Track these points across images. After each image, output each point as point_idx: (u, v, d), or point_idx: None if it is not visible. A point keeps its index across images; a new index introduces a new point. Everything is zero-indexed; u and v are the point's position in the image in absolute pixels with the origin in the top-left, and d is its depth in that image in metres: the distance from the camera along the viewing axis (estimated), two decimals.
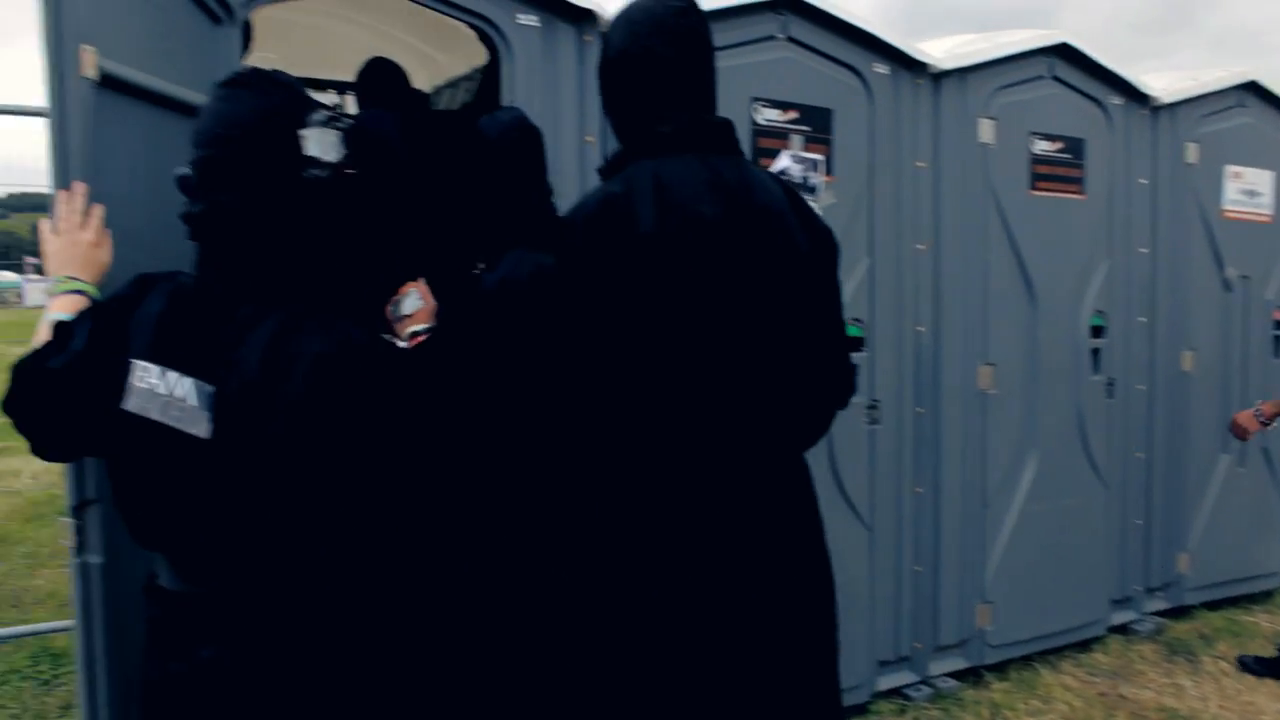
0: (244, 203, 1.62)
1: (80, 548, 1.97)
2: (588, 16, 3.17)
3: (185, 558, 1.63)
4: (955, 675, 4.06)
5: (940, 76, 3.90)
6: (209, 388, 1.56)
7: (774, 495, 1.98)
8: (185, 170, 1.67)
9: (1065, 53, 4.18)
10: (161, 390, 1.58)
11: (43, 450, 1.69)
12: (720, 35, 3.30)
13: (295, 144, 1.64)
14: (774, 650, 1.97)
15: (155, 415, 1.57)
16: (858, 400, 3.68)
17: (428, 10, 3.04)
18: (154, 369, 1.58)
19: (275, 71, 1.71)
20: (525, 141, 2.50)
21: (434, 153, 3.27)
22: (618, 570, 1.92)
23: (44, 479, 8.00)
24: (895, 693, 3.93)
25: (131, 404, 1.58)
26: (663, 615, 1.89)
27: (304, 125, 1.65)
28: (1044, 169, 4.13)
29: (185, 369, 1.58)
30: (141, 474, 1.63)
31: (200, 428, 1.56)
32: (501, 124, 2.49)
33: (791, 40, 3.53)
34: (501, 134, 2.47)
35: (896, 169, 3.79)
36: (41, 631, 4.71)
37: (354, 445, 1.60)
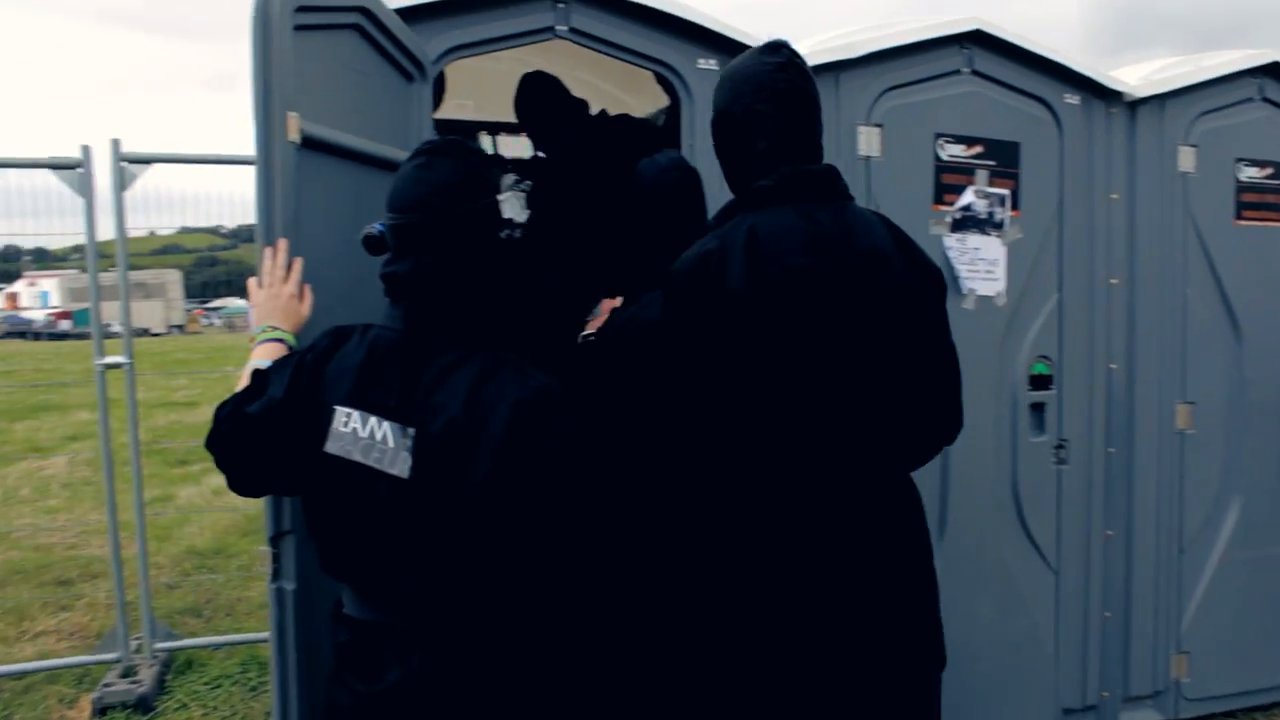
0: (445, 263, 1.76)
1: (276, 574, 2.16)
2: None
3: (374, 588, 1.77)
4: None
5: (1136, 104, 3.75)
6: (410, 430, 1.68)
7: (880, 523, 2.06)
8: (374, 230, 1.82)
9: (1278, 72, 3.95)
10: (363, 434, 1.72)
11: (238, 487, 1.89)
12: (903, 72, 3.34)
13: (492, 207, 1.77)
14: (877, 666, 2.05)
15: (357, 457, 1.72)
16: (1044, 439, 3.60)
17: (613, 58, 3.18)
18: (355, 414, 1.73)
19: (465, 140, 1.87)
20: (685, 183, 2.59)
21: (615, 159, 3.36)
22: (730, 596, 2.03)
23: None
24: None
25: (333, 447, 1.74)
26: (773, 633, 2.00)
27: (498, 190, 1.78)
28: (1251, 197, 3.91)
29: (384, 414, 1.72)
30: (338, 510, 1.77)
31: (400, 468, 1.69)
32: (660, 167, 2.59)
33: (977, 74, 3.49)
34: (660, 175, 2.57)
35: (1088, 201, 3.68)
36: (251, 641, 5.11)
37: (545, 485, 1.70)
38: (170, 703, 4.49)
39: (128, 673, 4.66)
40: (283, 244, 2.10)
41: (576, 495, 1.73)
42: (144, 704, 4.41)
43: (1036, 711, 3.68)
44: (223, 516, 7.98)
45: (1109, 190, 3.73)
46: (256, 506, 7.91)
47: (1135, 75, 3.87)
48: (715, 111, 2.17)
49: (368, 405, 1.73)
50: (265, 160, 2.11)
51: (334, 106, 2.39)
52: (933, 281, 2.13)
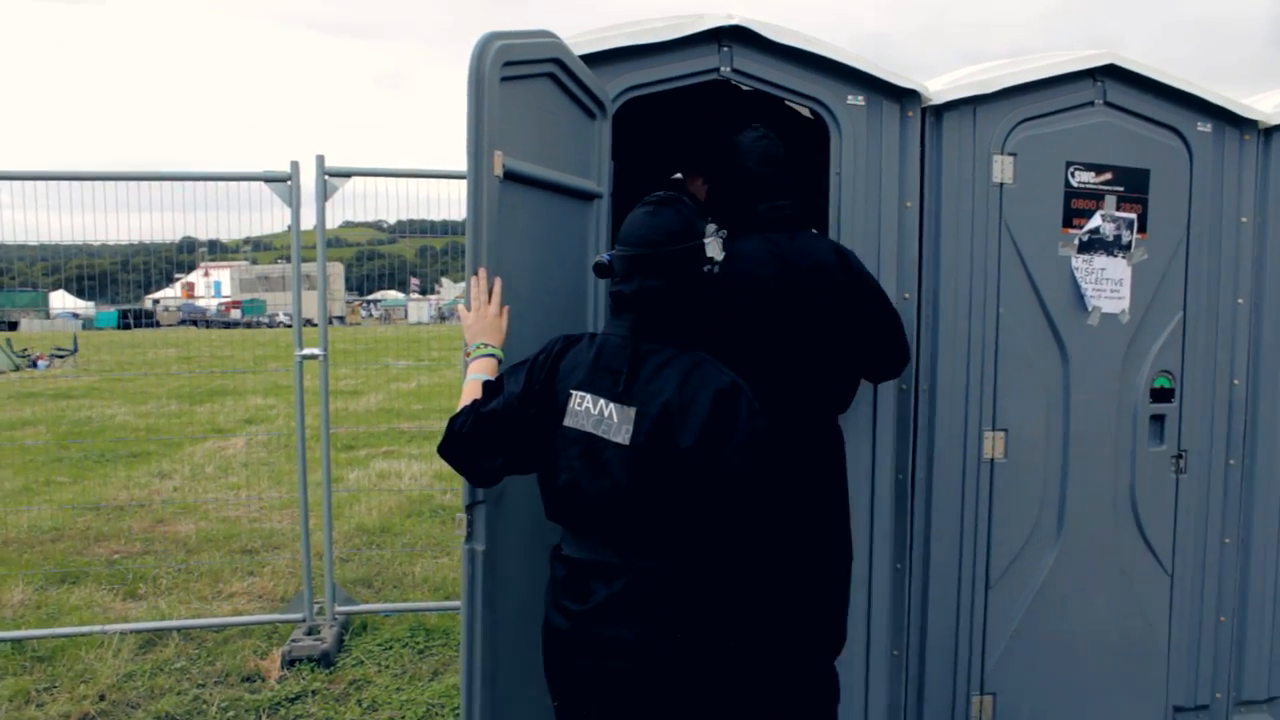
0: (662, 286, 2.32)
1: (469, 537, 2.61)
2: (910, 95, 3.55)
3: (590, 531, 2.32)
4: None
5: (1272, 131, 3.92)
6: (632, 409, 2.25)
7: (821, 446, 3.15)
8: (604, 259, 2.38)
9: None
10: (594, 411, 2.29)
11: (477, 477, 2.46)
12: (1037, 104, 3.63)
13: (700, 248, 2.34)
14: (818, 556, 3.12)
15: (589, 428, 2.29)
16: (1163, 450, 3.81)
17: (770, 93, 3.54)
18: (588, 396, 2.30)
19: (681, 194, 2.43)
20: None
21: None
22: None
23: (422, 480, 9.28)
24: None
25: (570, 421, 2.31)
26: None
27: (704, 235, 2.36)
28: None
29: (611, 397, 2.28)
30: (570, 470, 2.31)
31: (623, 437, 2.25)
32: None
33: (1109, 105, 3.72)
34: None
35: (1216, 224, 3.87)
36: (419, 609, 5.67)
37: (733, 452, 2.22)
38: (348, 659, 5.07)
39: (312, 631, 5.25)
40: (483, 272, 2.57)
41: (753, 463, 2.23)
42: (326, 659, 4.98)
43: (1149, 706, 3.90)
44: (388, 498, 8.64)
45: (1239, 213, 3.91)
46: (419, 489, 8.55)
47: (1270, 103, 4.03)
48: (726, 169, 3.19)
49: (597, 390, 2.30)
50: (475, 192, 2.56)
51: (530, 143, 2.83)
52: (859, 275, 3.17)
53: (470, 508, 2.60)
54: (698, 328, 2.38)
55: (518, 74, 2.71)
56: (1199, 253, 3.86)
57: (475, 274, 2.57)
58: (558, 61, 2.96)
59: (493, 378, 2.48)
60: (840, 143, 3.53)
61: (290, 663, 4.93)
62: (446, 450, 2.41)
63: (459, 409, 2.42)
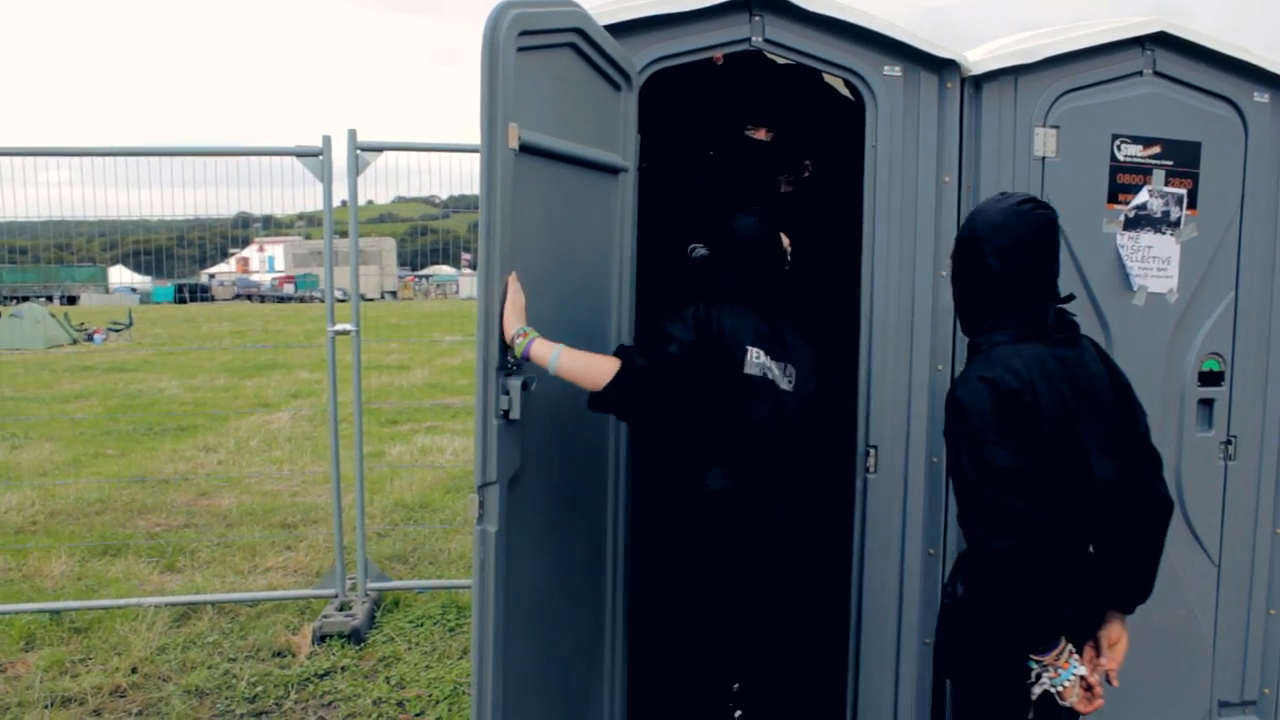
0: (757, 275, 3.09)
1: (481, 518, 2.55)
2: (949, 65, 3.41)
3: (745, 465, 2.95)
4: None
5: None
6: (789, 366, 3.01)
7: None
8: (698, 252, 3.28)
9: None
10: (763, 361, 2.96)
11: (647, 424, 3.14)
12: (1081, 74, 3.49)
13: (781, 250, 3.21)
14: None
15: (768, 376, 2.96)
16: (1211, 435, 3.67)
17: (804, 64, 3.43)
18: (759, 351, 2.96)
19: (767, 210, 3.18)
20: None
21: None
22: None
23: (463, 456, 9.30)
24: None
25: (750, 369, 2.94)
26: None
27: (779, 236, 3.15)
28: None
29: (771, 354, 2.98)
30: (743, 411, 2.93)
31: (784, 384, 2.99)
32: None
33: (1159, 75, 3.56)
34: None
35: (1272, 199, 3.70)
36: (452, 586, 5.68)
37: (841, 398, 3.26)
38: (379, 636, 5.08)
39: (344, 607, 5.27)
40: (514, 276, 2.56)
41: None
42: (356, 635, 5.00)
43: (1192, 701, 3.77)
44: (428, 473, 8.67)
45: None
46: (460, 465, 8.59)
47: None
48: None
49: (761, 346, 2.97)
50: (489, 164, 2.48)
51: (550, 115, 2.76)
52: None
53: (482, 488, 2.54)
54: (788, 304, 3.14)
55: (536, 44, 2.63)
56: (1253, 230, 3.69)
57: (489, 246, 2.50)
58: (579, 31, 2.87)
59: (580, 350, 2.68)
60: (876, 115, 3.41)
61: (321, 638, 4.96)
62: (613, 402, 2.70)
63: (608, 370, 2.64)
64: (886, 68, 3.40)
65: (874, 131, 3.41)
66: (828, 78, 3.81)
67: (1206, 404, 3.68)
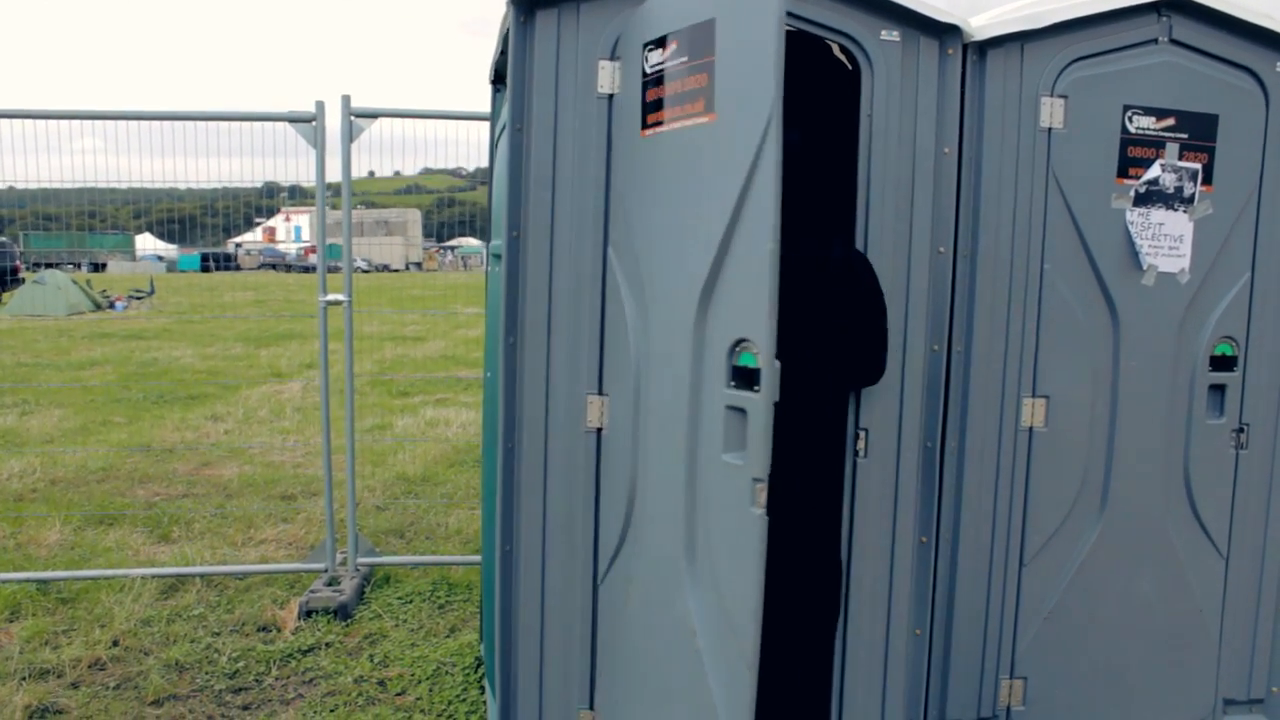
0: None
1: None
2: (950, 30, 3.24)
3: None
4: None
5: None
6: None
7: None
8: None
9: None
10: None
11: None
12: (1092, 41, 3.32)
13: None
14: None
15: None
16: (1222, 422, 3.50)
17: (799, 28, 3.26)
18: None
19: None
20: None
21: None
22: None
23: (470, 429, 9.21)
24: None
25: None
26: None
27: None
28: None
29: None
30: None
31: None
32: None
33: (1174, 43, 3.37)
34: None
35: None
36: (442, 563, 5.59)
37: None
38: (366, 612, 5.01)
39: (332, 582, 5.20)
40: None
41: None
42: (343, 611, 4.92)
43: (1196, 697, 3.63)
44: (433, 447, 8.60)
45: None
46: (466, 439, 8.51)
47: None
48: None
49: None
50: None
51: None
52: None
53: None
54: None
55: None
56: (1272, 208, 3.50)
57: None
58: None
59: None
60: (872, 82, 3.24)
61: (307, 613, 4.89)
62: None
63: None
64: (884, 32, 3.23)
65: (869, 99, 3.24)
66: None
67: (1218, 390, 3.51)
